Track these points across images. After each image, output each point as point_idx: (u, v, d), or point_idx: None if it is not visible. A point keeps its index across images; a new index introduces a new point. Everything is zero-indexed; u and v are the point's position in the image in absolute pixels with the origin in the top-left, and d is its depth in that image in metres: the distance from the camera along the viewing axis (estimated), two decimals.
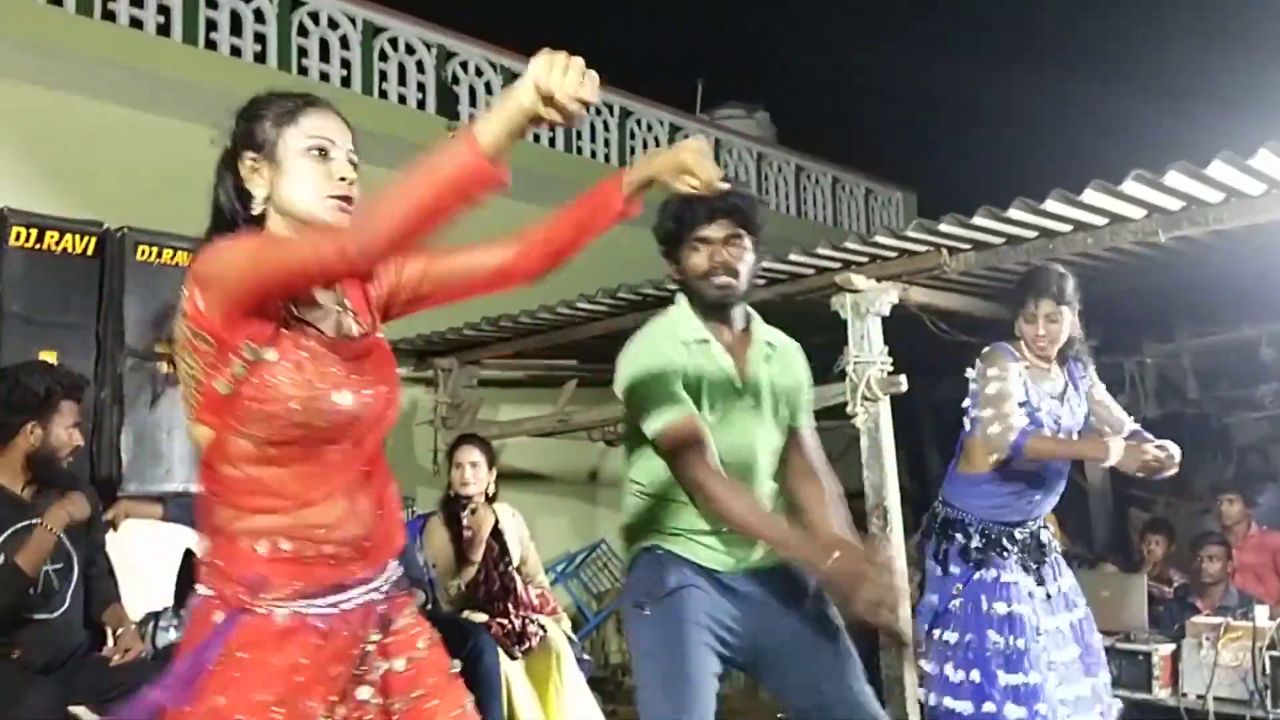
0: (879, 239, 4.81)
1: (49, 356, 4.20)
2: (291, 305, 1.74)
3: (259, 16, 7.35)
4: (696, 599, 2.56)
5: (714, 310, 2.66)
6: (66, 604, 3.53)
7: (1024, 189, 4.38)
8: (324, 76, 7.60)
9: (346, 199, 1.81)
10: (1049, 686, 3.34)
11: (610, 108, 9.59)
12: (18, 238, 4.22)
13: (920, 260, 4.86)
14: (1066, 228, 4.56)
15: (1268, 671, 4.39)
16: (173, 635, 3.90)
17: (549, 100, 1.58)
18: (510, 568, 4.64)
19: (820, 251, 4.94)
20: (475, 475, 4.64)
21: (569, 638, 4.67)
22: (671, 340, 2.63)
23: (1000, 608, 3.43)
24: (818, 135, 11.93)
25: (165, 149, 6.66)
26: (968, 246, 4.75)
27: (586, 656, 4.93)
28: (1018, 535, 3.54)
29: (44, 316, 4.28)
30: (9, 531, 3.40)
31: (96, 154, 6.39)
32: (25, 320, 4.23)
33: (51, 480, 3.58)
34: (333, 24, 7.77)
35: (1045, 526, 3.65)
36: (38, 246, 4.27)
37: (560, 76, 1.57)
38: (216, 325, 1.64)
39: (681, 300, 2.72)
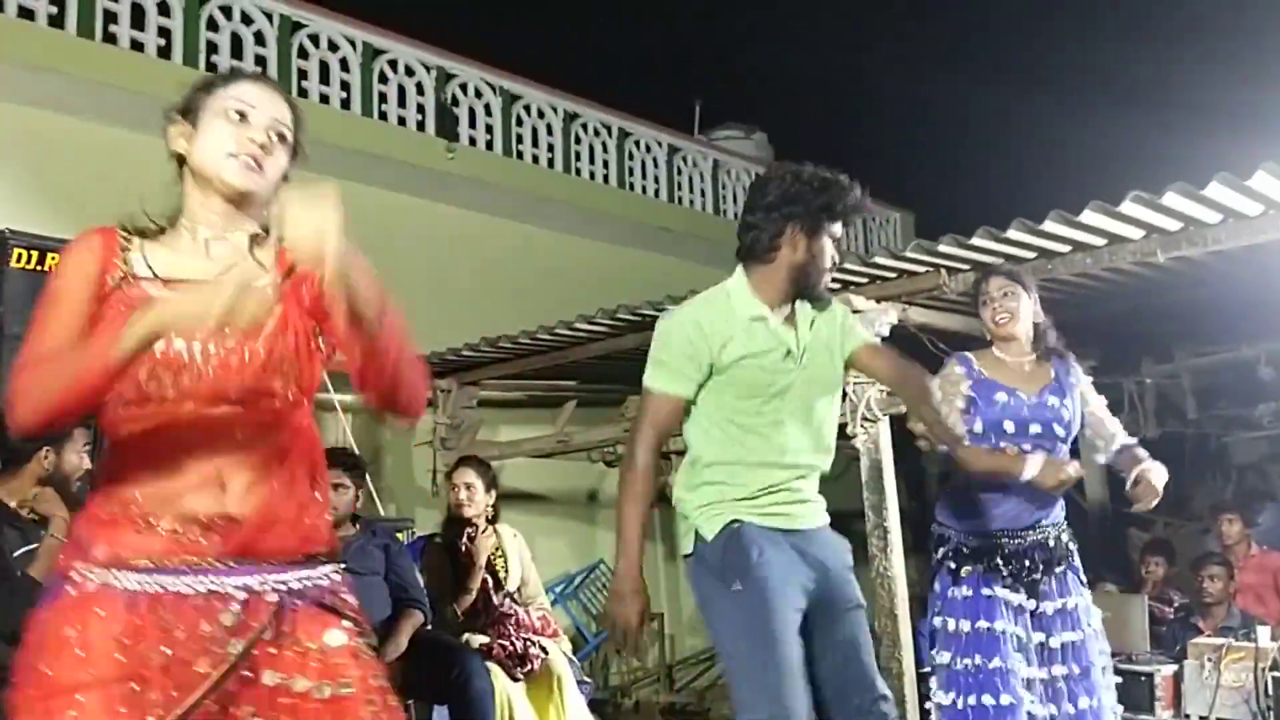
0: (878, 259, 4.82)
1: None
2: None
3: (259, 39, 7.38)
4: (781, 568, 2.65)
5: (795, 293, 2.77)
6: None
7: (1023, 210, 4.39)
8: (324, 99, 7.63)
9: (253, 159, 1.78)
10: (1025, 705, 3.29)
11: (609, 128, 9.62)
12: (19, 259, 4.23)
13: (919, 281, 4.87)
14: (1065, 248, 4.58)
15: (1270, 692, 4.37)
16: None
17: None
18: (508, 597, 4.61)
19: None
20: (470, 497, 4.63)
21: (569, 659, 4.65)
22: (724, 316, 2.73)
23: (965, 626, 3.39)
24: (815, 156, 11.86)
25: (167, 171, 6.68)
26: (967, 267, 4.76)
27: (587, 679, 4.91)
28: (1007, 547, 3.43)
29: None
30: (18, 554, 3.40)
31: (97, 176, 6.39)
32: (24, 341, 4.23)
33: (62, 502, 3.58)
34: (333, 46, 7.80)
35: (1060, 539, 3.55)
36: (39, 268, 4.28)
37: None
38: None
39: (740, 275, 2.81)
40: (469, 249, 8.06)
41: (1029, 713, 3.29)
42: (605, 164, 9.55)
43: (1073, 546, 3.52)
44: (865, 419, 4.88)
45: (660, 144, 10.12)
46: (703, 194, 10.55)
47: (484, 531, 4.66)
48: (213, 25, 7.15)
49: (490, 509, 4.70)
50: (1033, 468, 3.30)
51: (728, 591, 2.63)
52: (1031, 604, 3.42)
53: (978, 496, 3.48)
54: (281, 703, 1.66)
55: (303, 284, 1.73)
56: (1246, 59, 11.09)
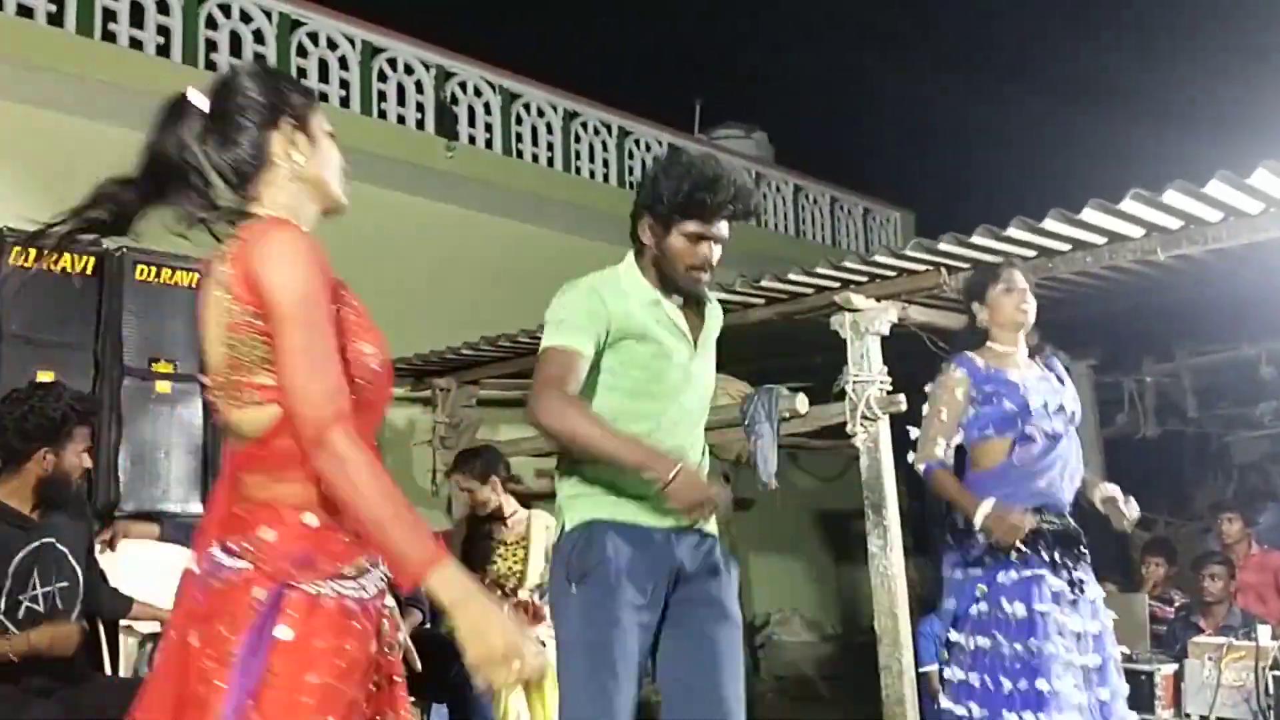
0: (878, 258, 4.81)
1: (47, 376, 4.18)
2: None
3: (258, 37, 7.37)
4: (629, 568, 2.52)
5: (669, 290, 2.66)
6: (70, 624, 3.50)
7: (1023, 208, 4.38)
8: (323, 97, 7.61)
9: None
10: (1067, 691, 3.28)
11: (609, 127, 9.61)
12: (16, 257, 4.21)
13: (919, 279, 4.86)
14: (1065, 246, 4.57)
15: (1271, 691, 4.37)
16: None
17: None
18: (509, 598, 4.63)
19: (819, 271, 4.94)
20: (474, 499, 4.66)
21: None
22: (617, 292, 2.61)
23: (1020, 609, 3.36)
24: (816, 155, 11.96)
25: None
26: (967, 266, 4.74)
27: None
28: (1044, 527, 3.43)
29: (42, 336, 4.27)
30: (21, 554, 3.39)
31: (96, 174, 6.38)
32: (24, 340, 4.23)
33: (59, 502, 3.56)
34: (332, 45, 7.79)
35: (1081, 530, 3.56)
36: (36, 266, 4.26)
37: (501, 674, 1.60)
38: None
39: (630, 263, 2.69)
40: (468, 248, 8.05)
41: (1072, 700, 3.29)
42: (605, 163, 9.54)
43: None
44: (865, 418, 4.87)
45: (660, 143, 10.10)
46: None
47: (511, 520, 4.68)
48: (212, 23, 7.14)
49: (507, 495, 4.72)
50: (982, 513, 3.37)
51: (567, 592, 2.55)
52: (1070, 592, 3.42)
53: (1015, 474, 3.47)
54: (400, 696, 1.81)
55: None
56: (1246, 57, 11.08)
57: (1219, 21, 12.30)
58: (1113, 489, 3.55)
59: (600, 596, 2.50)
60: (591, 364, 2.55)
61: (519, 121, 8.85)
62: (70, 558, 3.53)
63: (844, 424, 4.94)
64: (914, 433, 3.67)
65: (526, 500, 5.35)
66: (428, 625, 4.36)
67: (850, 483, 4.95)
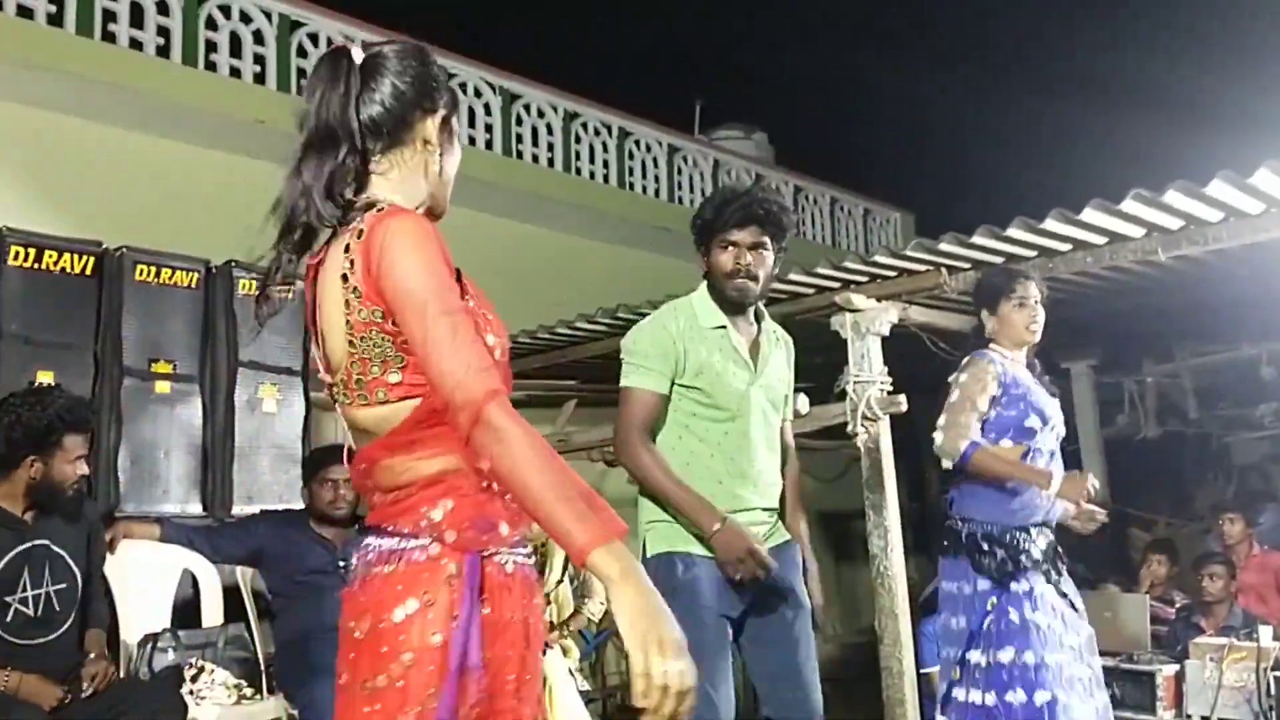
0: (879, 258, 4.80)
1: (46, 377, 4.19)
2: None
3: (258, 38, 7.36)
4: (706, 585, 2.77)
5: (730, 306, 2.91)
6: (65, 626, 3.50)
7: (1023, 208, 4.38)
8: None
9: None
10: (1073, 703, 3.27)
11: (609, 128, 9.61)
12: (16, 257, 4.21)
13: (920, 280, 4.86)
14: (1066, 246, 4.56)
15: (1272, 692, 4.36)
16: (171, 657, 3.87)
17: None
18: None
19: (820, 271, 4.94)
20: None
21: (570, 671, 4.60)
22: (688, 323, 2.87)
23: (1039, 618, 3.34)
24: (816, 156, 11.95)
25: (164, 169, 6.67)
26: (967, 266, 4.75)
27: (584, 685, 4.88)
28: (1040, 541, 3.43)
29: (42, 336, 4.27)
30: (9, 555, 3.38)
31: (95, 174, 6.39)
32: (24, 340, 4.22)
33: (54, 507, 3.55)
34: (331, 46, 7.78)
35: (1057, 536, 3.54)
36: (36, 266, 4.26)
37: (658, 660, 1.43)
38: None
39: (702, 289, 2.95)
40: (468, 248, 7.95)
41: (1074, 711, 3.28)
42: (605, 164, 9.53)
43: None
44: (865, 418, 4.86)
45: (660, 144, 10.09)
46: (703, 194, 10.50)
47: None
48: (211, 24, 7.13)
49: None
50: (1057, 482, 3.37)
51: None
52: (1064, 602, 3.42)
53: (1001, 487, 3.46)
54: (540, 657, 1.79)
55: None
56: (1248, 56, 11.08)
57: (1220, 21, 12.30)
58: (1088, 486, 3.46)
59: (688, 605, 2.65)
60: (670, 382, 2.86)
61: (519, 122, 8.85)
62: (69, 560, 3.52)
63: (845, 424, 4.94)
64: (942, 423, 3.59)
65: None
66: None
67: (851, 483, 4.94)
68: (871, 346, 4.93)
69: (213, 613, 4.17)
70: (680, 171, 10.31)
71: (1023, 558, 3.40)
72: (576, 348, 6.18)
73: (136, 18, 6.75)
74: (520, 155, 8.78)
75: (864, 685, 5.22)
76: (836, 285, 5.00)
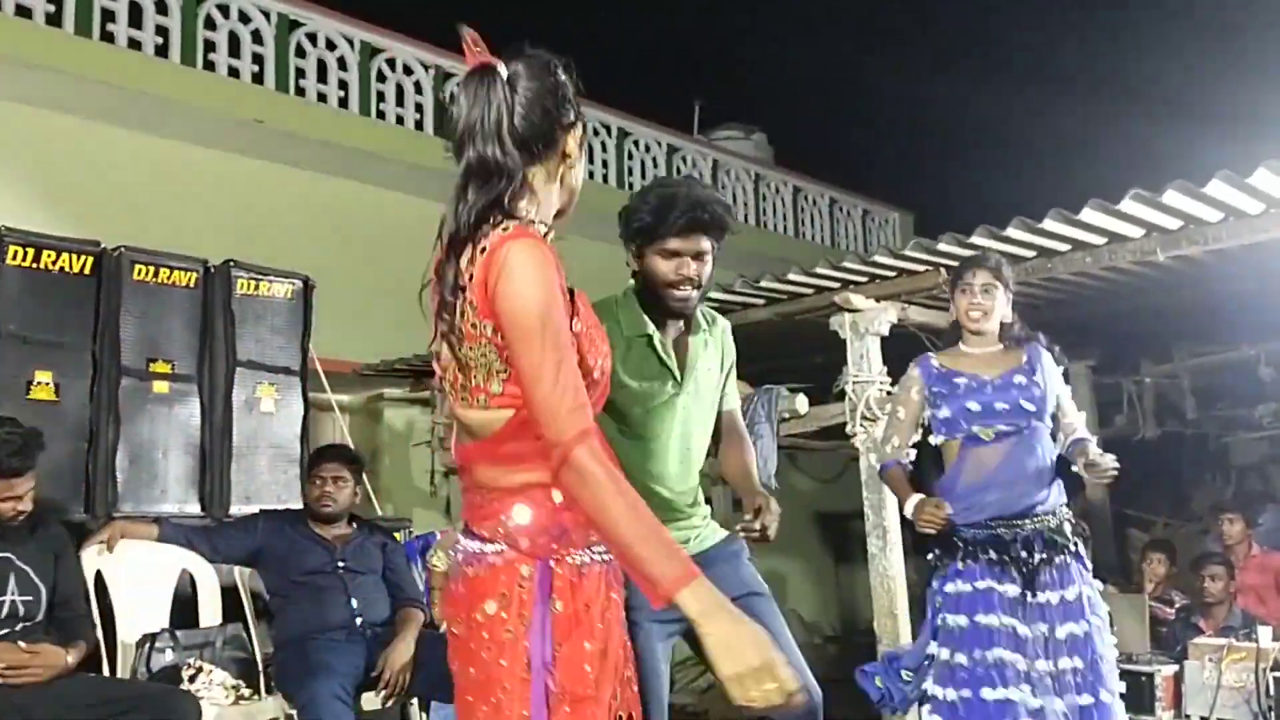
0: (878, 258, 4.80)
1: (45, 376, 4.19)
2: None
3: (257, 38, 7.36)
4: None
5: (665, 314, 2.67)
6: (31, 638, 3.44)
7: (1022, 208, 4.38)
8: (321, 97, 7.60)
9: None
10: (1025, 699, 3.26)
11: (608, 128, 9.61)
12: (14, 257, 4.20)
13: (919, 280, 4.86)
14: (1065, 247, 4.56)
15: (1271, 693, 4.35)
16: (169, 657, 3.86)
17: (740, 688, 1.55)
18: None
19: (819, 271, 4.94)
20: None
21: None
22: (611, 331, 2.52)
23: (979, 620, 3.35)
24: (815, 156, 11.96)
25: (163, 169, 6.67)
26: None
27: None
28: (1004, 536, 3.40)
29: (40, 336, 4.25)
30: None
31: (94, 174, 6.38)
32: (22, 340, 4.21)
33: (4, 529, 3.48)
34: (330, 45, 7.78)
35: (1061, 528, 3.51)
36: (34, 266, 4.25)
37: (757, 690, 1.55)
38: None
39: (629, 292, 2.73)
40: None
41: (1027, 706, 3.26)
42: (605, 164, 9.53)
43: (1077, 536, 3.50)
44: (865, 418, 4.86)
45: (660, 144, 10.10)
46: None
47: None
48: (210, 24, 7.13)
49: None
50: (909, 508, 3.47)
51: None
52: (1030, 596, 3.39)
53: (964, 488, 3.48)
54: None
55: None
56: (1247, 56, 11.09)
57: (1219, 21, 12.30)
58: (1093, 452, 3.44)
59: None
60: None
61: None
62: (32, 575, 3.49)
63: (843, 424, 4.94)
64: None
65: None
66: (428, 627, 4.34)
67: (849, 484, 4.94)
68: (870, 346, 4.93)
69: (211, 613, 4.16)
70: (679, 171, 10.30)
71: (971, 558, 3.41)
72: None
73: (135, 17, 6.75)
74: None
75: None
76: (835, 285, 5.00)
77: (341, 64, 7.81)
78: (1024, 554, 3.40)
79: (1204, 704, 4.52)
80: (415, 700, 4.29)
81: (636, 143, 9.89)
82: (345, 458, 4.31)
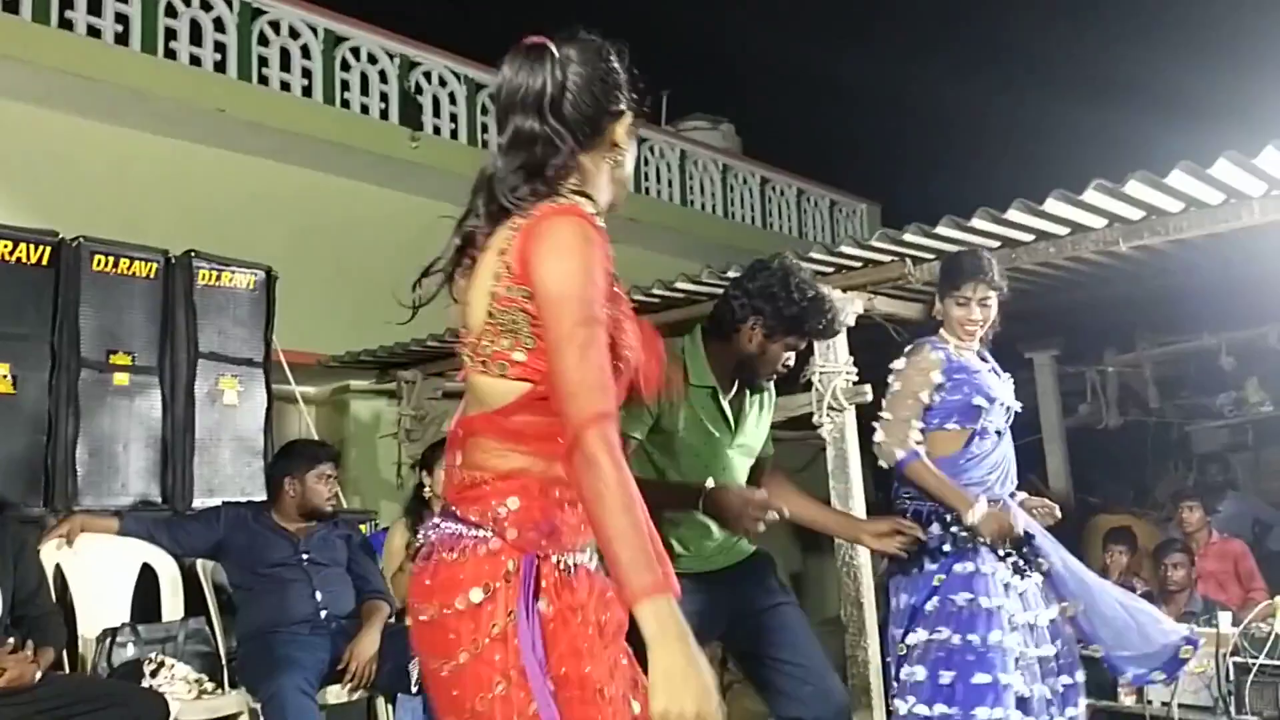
0: (844, 249, 4.81)
1: (2, 369, 4.13)
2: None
3: (219, 25, 7.28)
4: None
5: (736, 379, 2.93)
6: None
7: (987, 199, 4.40)
8: (285, 86, 7.53)
9: None
10: (1017, 685, 3.28)
11: None
12: None
13: (885, 270, 4.87)
14: (1029, 237, 4.59)
15: (1231, 678, 4.41)
16: (130, 652, 3.82)
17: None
18: None
19: None
20: (433, 482, 4.66)
21: None
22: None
23: (983, 601, 3.34)
24: (783, 147, 11.98)
25: (123, 159, 6.58)
26: (932, 256, 4.76)
27: None
28: None
29: None
30: None
31: (52, 163, 6.29)
32: None
33: None
34: (294, 33, 7.70)
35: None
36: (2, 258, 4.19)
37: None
38: None
39: (698, 341, 2.92)
40: (433, 239, 7.93)
41: (1018, 693, 3.28)
42: None
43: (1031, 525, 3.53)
44: (831, 408, 4.87)
45: None
46: (670, 185, 10.52)
47: None
48: (171, 11, 7.04)
49: None
50: (978, 514, 3.34)
51: None
52: (1019, 582, 3.41)
53: (972, 480, 3.45)
54: None
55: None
56: (1208, 48, 11.19)
57: (1181, 13, 12.41)
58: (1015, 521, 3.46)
59: None
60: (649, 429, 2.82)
61: (484, 111, 8.79)
62: None
63: (810, 415, 4.94)
64: (884, 418, 3.53)
65: None
66: (393, 619, 4.32)
67: (816, 473, 4.95)
68: (837, 337, 4.93)
69: (173, 606, 4.12)
70: (647, 162, 10.30)
71: (968, 541, 3.39)
72: None
73: (94, 4, 6.66)
74: (485, 145, 8.71)
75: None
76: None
77: (305, 52, 7.74)
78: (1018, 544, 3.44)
79: (1165, 690, 4.56)
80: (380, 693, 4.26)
81: None
82: (334, 456, 4.38)
